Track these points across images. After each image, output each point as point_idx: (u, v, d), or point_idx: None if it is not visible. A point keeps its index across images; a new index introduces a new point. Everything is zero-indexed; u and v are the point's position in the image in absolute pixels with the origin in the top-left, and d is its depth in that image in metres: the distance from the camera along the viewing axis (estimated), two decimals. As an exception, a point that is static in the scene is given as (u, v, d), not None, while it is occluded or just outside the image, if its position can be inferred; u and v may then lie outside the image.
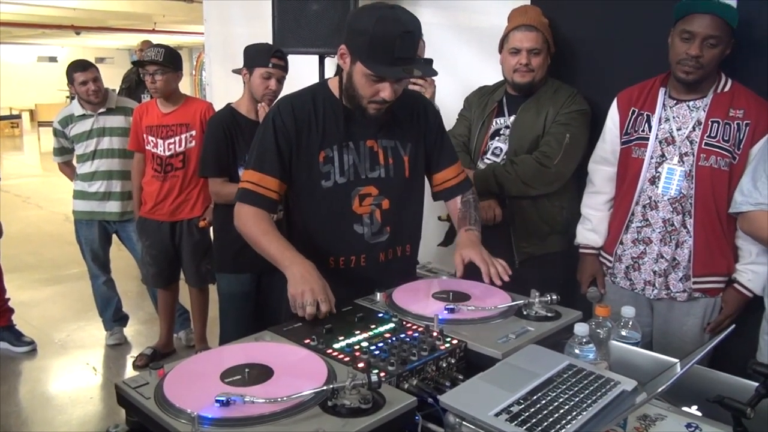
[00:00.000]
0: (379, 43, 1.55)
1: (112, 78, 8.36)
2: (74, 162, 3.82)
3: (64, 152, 3.81)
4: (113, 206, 3.71)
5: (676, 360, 1.35)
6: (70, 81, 3.60)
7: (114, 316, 4.00)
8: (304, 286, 1.54)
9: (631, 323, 1.55)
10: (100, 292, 3.93)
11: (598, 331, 1.45)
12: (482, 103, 2.57)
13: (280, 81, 2.82)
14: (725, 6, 1.93)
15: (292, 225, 1.89)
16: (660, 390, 1.12)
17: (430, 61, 2.15)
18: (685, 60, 1.99)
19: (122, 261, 3.94)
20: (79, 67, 3.59)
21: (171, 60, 3.32)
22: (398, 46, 1.55)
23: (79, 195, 3.74)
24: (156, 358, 3.65)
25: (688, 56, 1.98)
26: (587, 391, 1.16)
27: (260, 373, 1.20)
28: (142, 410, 1.13)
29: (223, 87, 4.17)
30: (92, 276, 3.91)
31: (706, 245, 2.06)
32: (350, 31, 1.63)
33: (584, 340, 1.36)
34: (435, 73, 1.75)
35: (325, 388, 1.12)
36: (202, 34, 4.51)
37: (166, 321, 3.77)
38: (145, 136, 3.39)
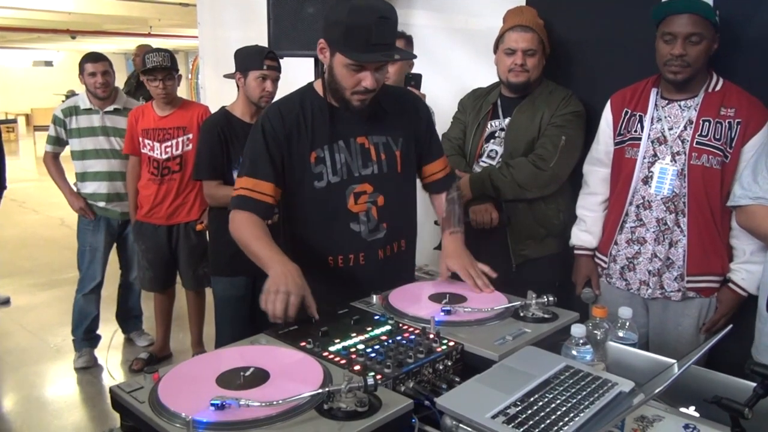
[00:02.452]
0: (355, 31, 1.57)
1: (107, 82, 8.32)
2: (69, 155, 3.66)
3: (57, 142, 3.64)
4: (120, 206, 3.63)
5: (674, 361, 1.35)
6: (81, 71, 3.53)
7: (85, 336, 3.74)
8: (279, 284, 1.51)
9: (628, 324, 1.55)
10: (80, 305, 3.69)
11: (595, 332, 1.45)
12: (477, 105, 2.57)
13: (275, 82, 2.82)
14: (699, 3, 1.96)
15: (290, 229, 1.88)
16: (657, 391, 1.12)
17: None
18: (670, 60, 2.01)
19: (117, 264, 3.91)
20: (90, 58, 3.53)
21: (175, 62, 3.34)
22: (375, 33, 1.56)
23: (87, 196, 3.63)
24: (152, 362, 3.63)
25: (673, 56, 2.00)
26: (584, 393, 1.16)
27: (256, 377, 1.20)
28: (137, 414, 1.12)
29: (216, 90, 4.17)
30: (80, 282, 3.70)
31: (700, 244, 2.06)
32: (327, 23, 1.66)
33: (581, 341, 1.36)
34: (413, 56, 1.78)
35: (321, 391, 1.12)
36: (198, 37, 4.51)
37: (162, 325, 3.75)
38: (141, 139, 3.37)
